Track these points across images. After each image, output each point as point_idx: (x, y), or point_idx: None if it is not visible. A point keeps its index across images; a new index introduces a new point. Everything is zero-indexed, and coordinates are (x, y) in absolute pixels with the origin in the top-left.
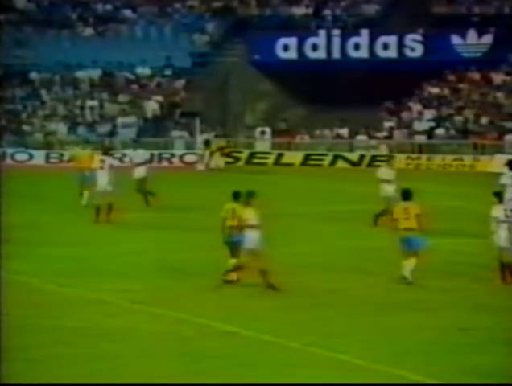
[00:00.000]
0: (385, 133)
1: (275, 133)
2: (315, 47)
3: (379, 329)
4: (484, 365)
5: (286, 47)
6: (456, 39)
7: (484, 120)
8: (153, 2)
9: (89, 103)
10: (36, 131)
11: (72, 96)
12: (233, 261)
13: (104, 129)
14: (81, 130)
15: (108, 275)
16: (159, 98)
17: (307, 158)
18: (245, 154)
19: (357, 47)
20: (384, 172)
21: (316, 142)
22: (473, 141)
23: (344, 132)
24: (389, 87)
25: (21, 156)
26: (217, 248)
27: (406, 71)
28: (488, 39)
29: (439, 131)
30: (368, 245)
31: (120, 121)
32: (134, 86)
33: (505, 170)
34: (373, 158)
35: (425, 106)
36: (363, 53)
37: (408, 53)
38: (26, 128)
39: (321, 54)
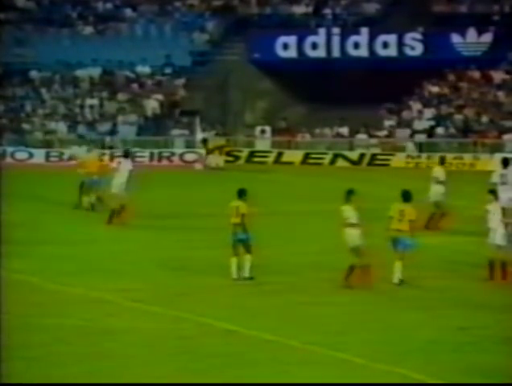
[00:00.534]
0: (385, 132)
1: (275, 131)
2: (315, 46)
3: (379, 328)
4: (484, 364)
5: (286, 46)
6: (455, 38)
7: (484, 118)
8: (153, 0)
9: (89, 101)
10: (36, 130)
11: (72, 95)
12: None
13: (104, 127)
14: (81, 129)
15: (108, 274)
16: (159, 97)
17: (307, 156)
18: (245, 153)
19: (356, 45)
20: (439, 172)
21: (316, 141)
22: (473, 139)
23: (344, 130)
24: (389, 86)
25: (21, 155)
26: (218, 246)
27: (406, 69)
28: (488, 37)
29: (440, 130)
30: (368, 243)
31: (120, 119)
32: (134, 85)
33: (498, 168)
34: (374, 157)
35: (425, 105)
36: (363, 52)
37: (408, 52)
38: (26, 126)
39: (321, 52)
